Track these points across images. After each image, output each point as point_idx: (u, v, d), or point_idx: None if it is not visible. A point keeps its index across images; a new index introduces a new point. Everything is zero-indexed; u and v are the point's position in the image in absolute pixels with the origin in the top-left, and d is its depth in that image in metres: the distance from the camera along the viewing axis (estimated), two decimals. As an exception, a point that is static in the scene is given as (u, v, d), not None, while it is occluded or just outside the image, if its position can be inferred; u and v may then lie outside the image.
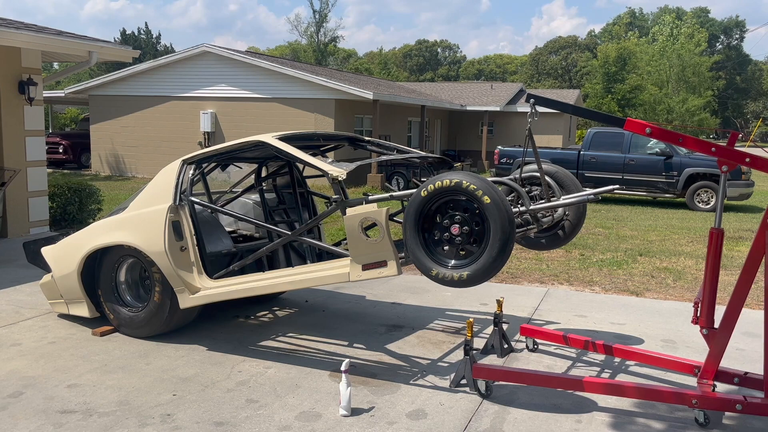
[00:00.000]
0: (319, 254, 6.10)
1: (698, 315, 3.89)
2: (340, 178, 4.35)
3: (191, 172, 5.13)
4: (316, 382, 4.38)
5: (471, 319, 4.21)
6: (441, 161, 5.85)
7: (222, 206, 5.90)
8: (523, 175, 5.10)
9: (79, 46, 9.15)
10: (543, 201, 4.87)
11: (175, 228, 4.91)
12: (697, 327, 3.92)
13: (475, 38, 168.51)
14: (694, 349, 5.17)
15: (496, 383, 4.30)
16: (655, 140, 15.43)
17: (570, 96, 34.75)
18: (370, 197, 4.33)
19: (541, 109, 4.29)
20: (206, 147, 9.32)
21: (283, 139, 4.98)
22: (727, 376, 4.06)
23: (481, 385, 4.17)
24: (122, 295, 5.33)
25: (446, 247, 4.05)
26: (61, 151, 23.84)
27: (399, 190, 12.42)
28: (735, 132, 3.81)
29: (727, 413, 3.98)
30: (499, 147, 18.75)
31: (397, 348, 5.10)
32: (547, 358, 4.94)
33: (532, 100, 4.28)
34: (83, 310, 5.44)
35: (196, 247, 4.93)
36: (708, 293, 3.83)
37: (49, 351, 4.88)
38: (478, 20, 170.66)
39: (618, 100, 49.52)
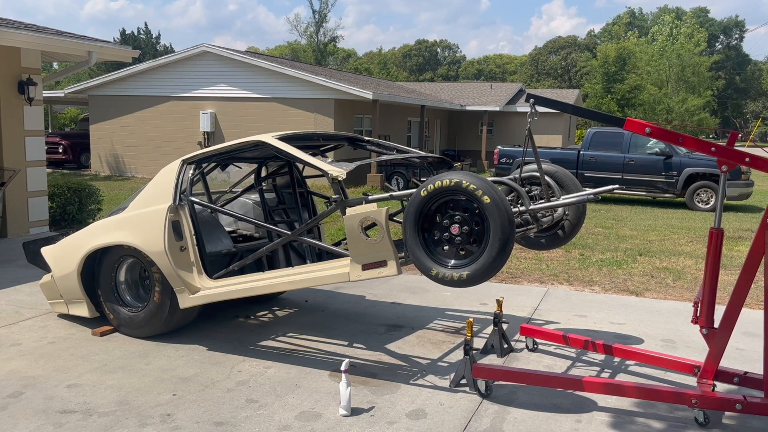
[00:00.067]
0: (318, 254, 6.10)
1: (698, 315, 3.89)
2: (339, 178, 4.35)
3: (191, 172, 5.13)
4: (316, 382, 4.38)
5: (471, 319, 4.22)
6: (441, 161, 5.85)
7: (222, 206, 5.90)
8: (522, 174, 5.10)
9: (78, 46, 9.15)
10: (543, 201, 4.87)
11: (175, 228, 4.91)
12: (697, 327, 3.92)
13: (475, 38, 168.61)
14: (694, 348, 5.18)
15: (496, 383, 4.31)
16: (654, 140, 15.43)
17: (569, 96, 34.76)
18: (369, 197, 4.33)
19: (540, 109, 4.29)
20: (206, 147, 9.32)
21: (282, 138, 4.98)
22: (726, 376, 4.07)
23: (481, 384, 4.18)
24: (122, 295, 5.33)
25: (446, 247, 4.05)
26: (60, 151, 23.84)
27: (399, 189, 12.43)
28: (734, 132, 3.81)
29: (726, 413, 3.98)
30: (499, 147, 18.76)
31: (397, 348, 5.10)
32: (546, 357, 4.94)
33: (531, 100, 4.28)
34: (83, 310, 5.44)
35: (196, 247, 4.93)
36: (708, 293, 3.83)
37: (48, 351, 4.88)
38: (478, 20, 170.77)
39: (617, 100, 49.54)
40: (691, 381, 4.37)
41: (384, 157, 5.34)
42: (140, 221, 5.03)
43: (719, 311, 3.76)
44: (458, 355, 4.92)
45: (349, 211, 4.25)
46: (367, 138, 6.01)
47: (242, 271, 5.24)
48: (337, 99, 19.44)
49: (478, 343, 5.06)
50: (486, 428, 3.76)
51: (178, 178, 5.04)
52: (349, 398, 3.88)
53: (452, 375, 4.42)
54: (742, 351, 5.16)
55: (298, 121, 19.48)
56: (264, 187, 6.05)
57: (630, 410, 4.04)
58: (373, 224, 4.24)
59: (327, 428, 3.72)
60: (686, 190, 15.76)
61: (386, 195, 4.40)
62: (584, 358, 4.96)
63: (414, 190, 4.17)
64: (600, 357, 4.96)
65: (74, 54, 9.44)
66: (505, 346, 4.98)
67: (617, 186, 5.32)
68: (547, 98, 4.27)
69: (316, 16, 66.16)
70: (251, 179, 6.18)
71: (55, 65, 43.25)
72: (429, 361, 4.82)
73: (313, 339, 5.28)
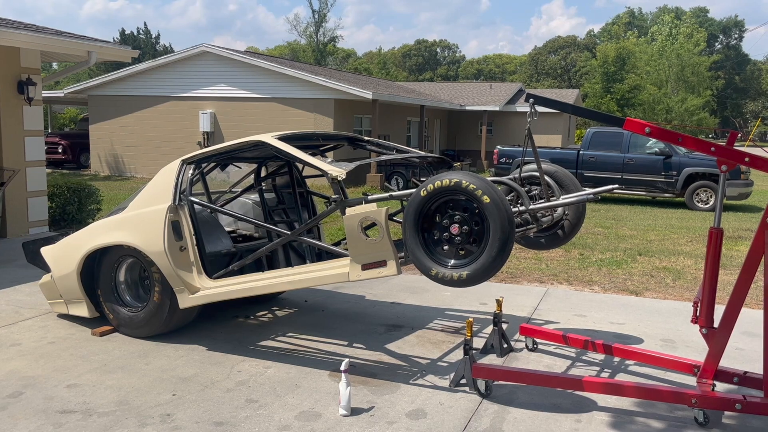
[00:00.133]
0: (318, 254, 6.10)
1: (698, 314, 3.90)
2: (339, 178, 4.35)
3: (191, 172, 5.13)
4: (316, 381, 4.38)
5: (470, 319, 4.22)
6: (440, 161, 5.85)
7: (221, 206, 5.89)
8: (522, 174, 5.10)
9: (78, 46, 9.15)
10: (542, 201, 4.87)
11: (175, 228, 4.90)
12: (697, 326, 3.92)
13: (475, 38, 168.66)
14: (694, 348, 5.18)
15: (496, 383, 4.31)
16: (654, 140, 15.43)
17: (569, 96, 34.76)
18: (369, 197, 4.33)
19: (540, 108, 4.29)
20: (205, 147, 9.32)
21: (282, 138, 4.98)
22: (726, 376, 4.07)
23: (481, 384, 4.18)
24: (122, 295, 5.33)
25: (446, 247, 4.05)
26: (60, 151, 23.84)
27: (398, 189, 12.43)
28: (734, 131, 3.82)
29: (726, 412, 3.98)
30: (499, 147, 18.76)
31: (397, 348, 5.10)
32: (546, 357, 4.94)
33: (531, 100, 4.28)
34: (83, 310, 5.44)
35: (196, 247, 4.93)
36: (707, 293, 3.83)
37: (48, 351, 4.88)
38: (478, 20, 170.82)
39: (617, 100, 49.54)
40: (691, 381, 4.37)
41: (384, 157, 5.34)
42: (140, 221, 5.03)
43: (719, 311, 3.76)
44: (458, 354, 4.93)
45: (349, 211, 4.25)
46: (366, 138, 6.02)
47: (242, 271, 5.24)
48: (336, 99, 19.44)
49: (478, 342, 5.06)
50: (486, 428, 3.76)
51: (177, 178, 5.04)
52: (349, 398, 3.88)
53: (452, 375, 4.42)
54: (741, 351, 5.16)
55: (298, 121, 19.47)
56: (264, 187, 6.05)
57: (630, 410, 4.04)
58: (373, 224, 4.24)
59: (327, 428, 3.72)
60: (686, 190, 15.76)
61: (386, 195, 4.40)
62: (584, 357, 4.96)
63: (414, 190, 4.17)
64: (600, 357, 4.97)
65: (74, 54, 9.44)
66: (505, 345, 4.98)
67: (617, 186, 5.32)
68: (547, 98, 4.27)
69: (316, 16, 66.23)
70: (251, 179, 6.18)
71: (55, 65, 43.24)
72: (429, 361, 4.82)
73: (313, 339, 5.28)
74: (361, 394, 4.18)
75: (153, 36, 62.84)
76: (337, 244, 5.71)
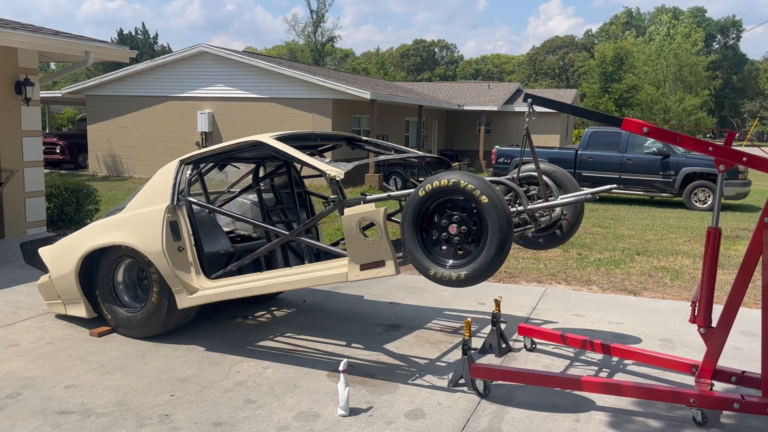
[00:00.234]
0: (317, 254, 6.10)
1: (696, 314, 3.90)
2: (338, 178, 4.35)
3: (189, 172, 5.12)
4: (314, 382, 4.38)
5: (469, 319, 4.22)
6: (438, 161, 5.85)
7: (220, 206, 5.89)
8: (520, 174, 5.10)
9: (75, 46, 9.14)
10: (541, 200, 4.88)
11: (173, 228, 4.90)
12: (695, 326, 3.92)
13: (473, 38, 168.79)
14: (692, 348, 5.18)
15: (494, 383, 4.31)
16: (652, 140, 15.45)
17: (567, 95, 34.77)
18: (368, 197, 4.33)
19: (538, 108, 4.29)
20: (204, 147, 9.31)
21: (280, 139, 4.97)
22: (724, 375, 4.07)
23: (480, 384, 4.18)
24: (120, 295, 5.33)
25: (444, 247, 4.05)
26: (58, 151, 23.79)
27: (397, 189, 12.42)
28: (732, 131, 3.82)
29: (725, 412, 3.98)
30: (497, 147, 18.77)
31: (395, 348, 5.10)
32: (545, 357, 4.94)
33: (529, 100, 4.28)
34: (81, 311, 5.43)
35: (194, 248, 4.93)
36: (705, 292, 3.84)
37: (46, 352, 4.87)
38: (476, 20, 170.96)
39: (615, 100, 49.61)
40: (689, 380, 4.37)
41: (382, 157, 5.33)
42: (138, 222, 5.02)
43: (717, 310, 3.76)
44: (456, 354, 4.92)
45: (347, 211, 4.25)
46: (365, 138, 6.01)
47: (240, 271, 5.24)
48: (334, 99, 19.44)
49: (477, 342, 5.06)
50: (484, 428, 3.76)
51: (175, 179, 5.03)
52: (348, 398, 3.88)
53: (450, 375, 4.42)
54: (740, 350, 5.17)
55: (296, 121, 19.47)
56: (262, 187, 6.05)
57: (628, 410, 4.04)
58: (372, 224, 4.23)
59: (325, 428, 3.72)
60: (684, 190, 15.78)
61: (384, 195, 4.40)
62: (582, 357, 4.96)
63: (412, 190, 4.17)
64: (598, 356, 4.97)
65: (71, 54, 9.43)
66: (504, 345, 4.98)
67: (615, 185, 5.32)
68: (545, 98, 4.27)
69: (314, 16, 66.19)
70: (249, 179, 6.18)
71: (53, 65, 43.17)
72: (427, 361, 4.82)
73: (312, 339, 5.28)
74: (360, 394, 4.18)
75: (151, 36, 62.85)
76: (335, 244, 5.70)
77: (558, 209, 5.05)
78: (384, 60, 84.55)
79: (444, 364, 4.75)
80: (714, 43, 79.69)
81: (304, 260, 6.08)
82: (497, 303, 4.93)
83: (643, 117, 46.22)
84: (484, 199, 3.81)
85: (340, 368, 3.90)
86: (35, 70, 9.43)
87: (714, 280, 3.83)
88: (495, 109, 29.38)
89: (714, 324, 3.82)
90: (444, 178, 3.94)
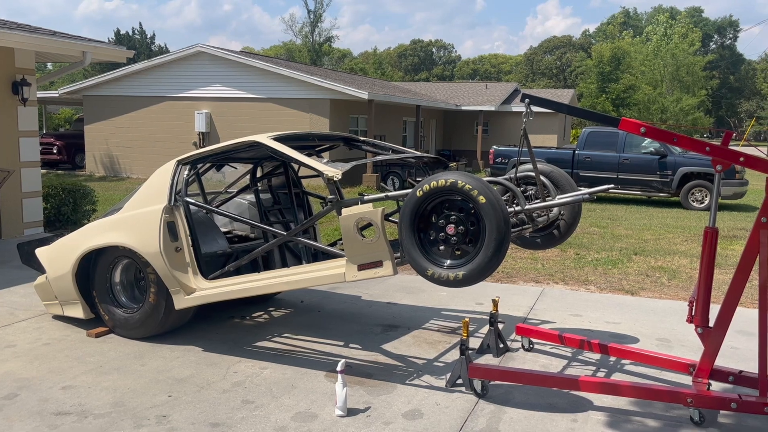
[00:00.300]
0: (314, 254, 6.10)
1: (693, 314, 3.91)
2: (335, 179, 4.35)
3: (186, 172, 5.12)
4: (312, 382, 4.38)
5: (467, 319, 4.22)
6: (436, 161, 5.85)
7: (217, 207, 5.88)
8: (518, 174, 5.10)
9: (72, 47, 9.12)
10: (538, 200, 4.88)
11: (170, 229, 4.89)
12: (692, 326, 3.93)
13: (470, 38, 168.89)
14: (689, 347, 5.19)
15: (492, 383, 4.31)
16: (649, 140, 15.47)
17: (564, 96, 34.78)
18: (365, 197, 4.33)
19: (535, 108, 4.30)
20: (201, 147, 9.30)
21: (278, 139, 4.97)
22: (722, 375, 4.08)
23: (477, 384, 4.18)
24: (117, 296, 5.32)
25: (442, 247, 4.05)
26: (55, 151, 23.75)
27: (394, 190, 12.44)
28: (729, 131, 3.83)
29: (722, 411, 3.99)
30: (494, 147, 18.78)
31: (393, 348, 5.10)
32: (542, 357, 4.94)
33: (527, 100, 4.29)
34: (78, 312, 5.42)
35: (192, 248, 4.92)
36: (703, 292, 3.84)
37: (43, 352, 4.86)
38: (473, 20, 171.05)
39: (612, 100, 49.63)
40: (687, 380, 4.38)
41: (380, 158, 5.33)
42: (135, 222, 5.02)
43: (714, 310, 3.77)
44: (454, 355, 4.92)
45: (345, 211, 4.25)
46: (362, 138, 6.01)
47: (238, 271, 5.23)
48: (332, 99, 19.43)
49: (474, 343, 5.07)
50: (482, 428, 3.76)
51: (173, 179, 5.03)
52: (345, 399, 3.88)
53: (448, 375, 4.42)
54: (737, 350, 5.18)
55: (294, 121, 19.45)
56: (259, 188, 6.04)
57: (626, 409, 4.04)
58: (369, 224, 4.23)
59: (323, 429, 3.72)
60: (681, 190, 15.81)
61: (382, 195, 4.40)
62: (580, 357, 4.97)
63: (410, 190, 4.17)
64: (596, 356, 4.97)
65: (68, 54, 9.41)
66: (501, 345, 4.98)
67: (612, 185, 5.33)
68: (542, 98, 4.28)
69: (311, 16, 66.11)
70: (247, 180, 6.17)
71: (50, 65, 43.14)
72: (425, 361, 4.82)
73: (309, 339, 5.28)
74: (358, 394, 4.18)
75: (148, 36, 62.78)
76: (333, 244, 5.70)
77: (555, 209, 5.06)
78: (381, 60, 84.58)
79: (442, 365, 4.75)
80: (711, 43, 79.82)
81: (302, 261, 6.08)
82: (495, 303, 4.94)
83: (640, 117, 46.25)
84: (482, 199, 3.81)
85: (338, 368, 3.90)
86: (32, 71, 9.41)
87: (711, 279, 3.84)
88: (492, 109, 29.40)
89: (711, 324, 3.83)
90: (441, 179, 3.94)
